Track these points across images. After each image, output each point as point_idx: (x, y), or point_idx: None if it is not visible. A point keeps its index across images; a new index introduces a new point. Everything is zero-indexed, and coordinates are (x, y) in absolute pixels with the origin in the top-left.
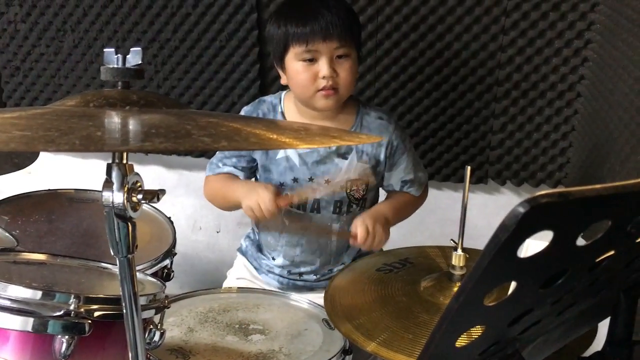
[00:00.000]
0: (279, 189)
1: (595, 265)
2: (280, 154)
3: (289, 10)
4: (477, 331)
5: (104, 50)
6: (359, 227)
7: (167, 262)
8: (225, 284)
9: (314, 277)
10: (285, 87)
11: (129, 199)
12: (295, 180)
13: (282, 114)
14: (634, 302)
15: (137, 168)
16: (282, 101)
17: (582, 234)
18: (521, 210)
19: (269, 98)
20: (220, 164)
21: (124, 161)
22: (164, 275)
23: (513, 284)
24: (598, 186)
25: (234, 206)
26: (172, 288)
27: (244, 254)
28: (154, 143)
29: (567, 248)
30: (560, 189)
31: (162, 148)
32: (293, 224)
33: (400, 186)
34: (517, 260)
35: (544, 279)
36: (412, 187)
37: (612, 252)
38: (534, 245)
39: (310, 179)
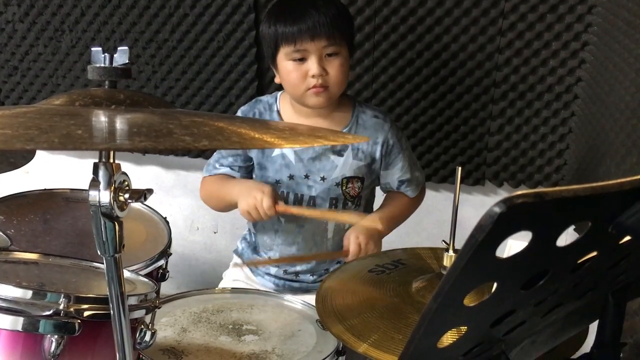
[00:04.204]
0: (276, 192)
1: (577, 266)
2: (276, 151)
3: (278, 10)
4: (460, 331)
5: (91, 49)
6: (352, 244)
7: (162, 262)
8: (221, 286)
9: (311, 277)
10: (282, 87)
11: (115, 199)
12: (291, 177)
13: (278, 112)
14: (623, 304)
15: (135, 168)
16: (278, 100)
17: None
18: (497, 210)
19: (265, 98)
20: (217, 165)
21: (111, 160)
22: (159, 276)
23: (494, 285)
24: (575, 187)
25: (229, 206)
26: (168, 288)
27: (239, 255)
28: (134, 142)
29: (547, 249)
30: (536, 189)
31: (141, 147)
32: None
33: (397, 185)
34: (495, 260)
35: (525, 279)
36: (409, 187)
37: (594, 254)
38: (516, 245)
39: (306, 176)
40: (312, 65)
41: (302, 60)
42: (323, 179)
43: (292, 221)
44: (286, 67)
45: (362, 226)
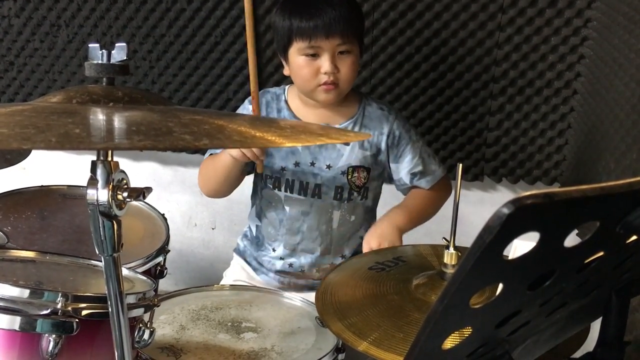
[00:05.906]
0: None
1: (584, 266)
2: None
3: (294, 4)
4: (464, 332)
5: (89, 45)
6: (365, 249)
7: (160, 259)
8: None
9: (317, 273)
10: (285, 77)
11: (113, 197)
12: (296, 164)
13: (286, 102)
14: (626, 302)
15: (132, 165)
16: (285, 92)
17: (577, 232)
18: (506, 211)
19: (272, 89)
20: (218, 150)
21: (109, 158)
22: (157, 273)
23: (500, 286)
24: (584, 187)
25: (225, 173)
26: (167, 285)
27: (241, 254)
28: (132, 141)
29: (555, 249)
30: (545, 189)
31: (140, 146)
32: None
33: (410, 179)
34: (503, 261)
35: (532, 280)
36: (422, 180)
37: (601, 253)
38: (522, 246)
39: (312, 164)
40: (324, 62)
41: (315, 56)
42: (329, 167)
43: (297, 208)
44: (298, 62)
45: (377, 229)
